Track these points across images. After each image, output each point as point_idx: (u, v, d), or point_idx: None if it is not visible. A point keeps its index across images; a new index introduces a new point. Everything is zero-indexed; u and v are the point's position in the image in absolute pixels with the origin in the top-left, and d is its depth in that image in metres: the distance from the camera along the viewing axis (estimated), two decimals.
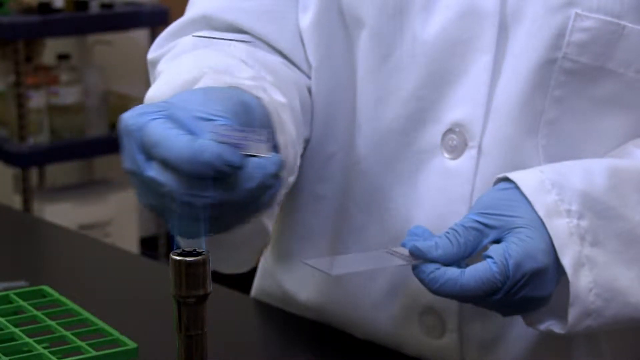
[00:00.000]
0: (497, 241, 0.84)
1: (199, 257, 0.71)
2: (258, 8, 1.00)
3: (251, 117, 0.78)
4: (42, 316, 0.85)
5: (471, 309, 0.94)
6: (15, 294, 0.88)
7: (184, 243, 0.73)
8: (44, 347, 0.80)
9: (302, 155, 0.99)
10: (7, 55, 3.00)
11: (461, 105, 0.93)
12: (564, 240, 0.84)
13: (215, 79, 0.82)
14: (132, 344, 0.80)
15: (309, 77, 1.00)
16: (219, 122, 0.74)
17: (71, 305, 0.86)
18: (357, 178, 1.00)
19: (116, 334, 0.82)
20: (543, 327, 0.87)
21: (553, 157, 0.92)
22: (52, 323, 0.83)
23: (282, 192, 0.86)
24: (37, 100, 3.00)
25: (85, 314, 0.85)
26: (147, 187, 0.74)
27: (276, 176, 0.74)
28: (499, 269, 0.82)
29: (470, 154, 0.93)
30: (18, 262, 1.28)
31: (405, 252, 0.84)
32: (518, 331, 0.96)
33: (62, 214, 3.04)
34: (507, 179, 0.88)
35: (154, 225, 3.39)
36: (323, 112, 1.01)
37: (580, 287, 0.84)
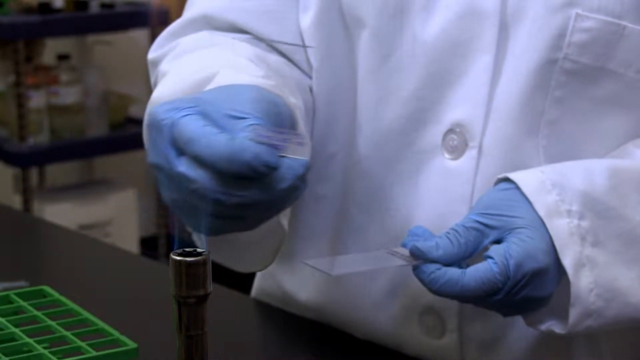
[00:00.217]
0: (498, 241, 0.84)
1: (199, 257, 0.71)
2: (259, 8, 1.00)
3: (281, 118, 0.78)
4: (42, 316, 0.85)
5: (471, 309, 0.94)
6: (16, 294, 0.88)
7: (199, 241, 0.73)
8: (44, 347, 0.79)
9: None
10: (7, 55, 3.00)
11: (461, 106, 0.93)
12: (564, 240, 0.84)
13: (232, 78, 0.81)
14: (132, 344, 0.80)
15: (310, 77, 1.00)
16: (250, 121, 0.73)
17: (71, 305, 0.86)
18: (358, 178, 0.99)
19: (116, 334, 0.81)
20: (543, 327, 0.87)
21: (553, 158, 0.92)
22: (53, 323, 0.83)
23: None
24: (37, 100, 3.00)
25: (86, 314, 0.85)
26: (174, 182, 0.73)
27: (303, 178, 0.74)
28: (500, 269, 0.82)
29: (470, 154, 0.93)
30: (18, 262, 1.28)
31: (406, 252, 0.84)
32: (518, 331, 0.96)
33: (62, 214, 3.04)
34: (507, 179, 0.88)
35: (154, 225, 3.39)
36: (324, 112, 1.01)
37: (581, 288, 0.84)
